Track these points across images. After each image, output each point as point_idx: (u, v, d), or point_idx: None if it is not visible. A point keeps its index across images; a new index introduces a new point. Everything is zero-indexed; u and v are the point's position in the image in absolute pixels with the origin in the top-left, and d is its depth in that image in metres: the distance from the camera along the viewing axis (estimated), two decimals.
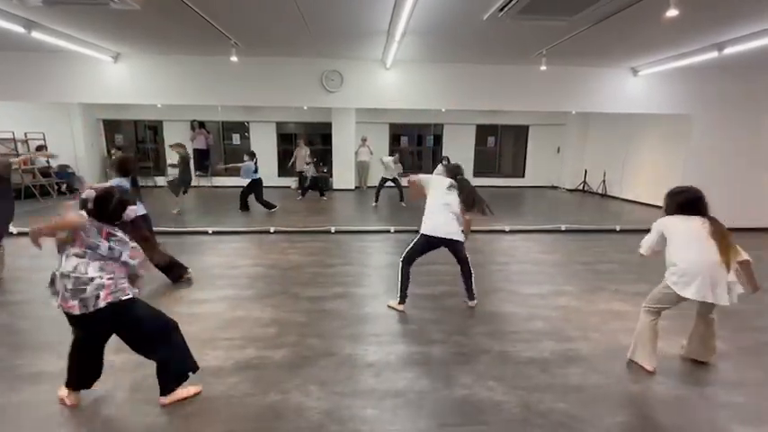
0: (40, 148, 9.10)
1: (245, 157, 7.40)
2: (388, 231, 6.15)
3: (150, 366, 2.48)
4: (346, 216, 7.57)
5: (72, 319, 1.96)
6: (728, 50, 4.57)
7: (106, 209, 1.99)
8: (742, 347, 2.84)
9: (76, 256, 1.91)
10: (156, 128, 11.25)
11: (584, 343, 2.87)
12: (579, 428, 2.01)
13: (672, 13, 3.14)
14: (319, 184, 9.26)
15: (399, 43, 4.50)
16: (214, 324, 3.07)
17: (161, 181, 11.13)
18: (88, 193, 1.99)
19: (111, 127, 11.07)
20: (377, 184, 8.62)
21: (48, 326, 3.03)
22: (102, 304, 1.89)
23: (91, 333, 2.05)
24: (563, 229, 6.43)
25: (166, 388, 2.13)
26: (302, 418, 2.05)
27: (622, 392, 2.32)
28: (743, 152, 6.38)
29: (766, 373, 2.53)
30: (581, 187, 11.14)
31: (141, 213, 3.55)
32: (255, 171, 7.29)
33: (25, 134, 8.95)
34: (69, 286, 1.89)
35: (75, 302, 1.88)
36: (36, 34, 4.27)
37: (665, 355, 2.72)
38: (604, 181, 10.27)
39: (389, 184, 8.60)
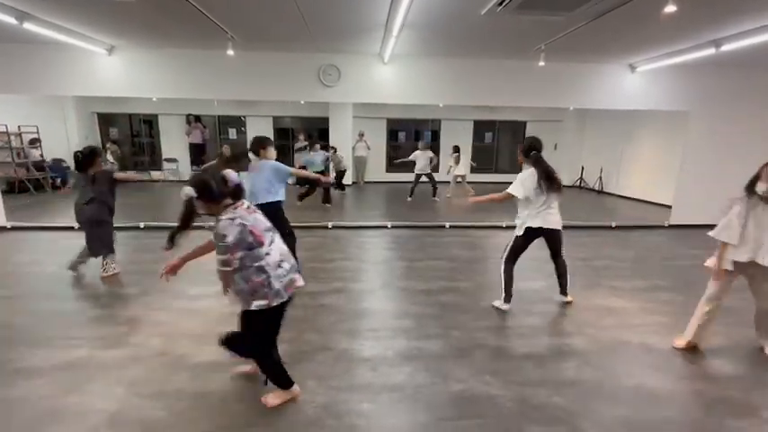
0: (33, 142, 9.01)
1: (316, 145, 8.00)
2: (386, 227, 6.15)
3: (143, 361, 2.48)
4: (344, 211, 7.56)
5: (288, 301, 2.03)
6: (726, 47, 4.57)
7: (212, 191, 1.85)
8: (737, 343, 2.87)
9: (269, 253, 1.93)
10: (151, 121, 11.16)
11: (579, 338, 2.89)
12: (574, 422, 2.03)
13: (670, 8, 3.14)
14: (338, 179, 9.11)
15: (397, 38, 4.47)
16: (210, 319, 3.07)
17: (156, 175, 11.07)
18: (187, 192, 1.85)
19: (106, 120, 10.96)
20: (412, 181, 8.53)
21: (42, 321, 3.02)
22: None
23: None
24: None
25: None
26: (299, 413, 2.06)
27: (616, 387, 2.34)
28: (740, 149, 6.41)
29: (761, 368, 2.56)
30: (578, 183, 11.17)
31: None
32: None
33: (19, 127, 8.85)
34: (288, 266, 2.00)
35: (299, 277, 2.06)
36: (28, 26, 4.20)
37: (659, 350, 2.74)
38: (601, 177, 10.31)
39: (423, 179, 8.49)
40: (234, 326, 2.95)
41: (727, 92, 6.21)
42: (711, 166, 6.40)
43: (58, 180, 9.34)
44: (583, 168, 11.10)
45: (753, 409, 2.17)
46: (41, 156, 9.12)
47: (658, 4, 3.25)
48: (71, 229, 5.63)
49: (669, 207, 6.80)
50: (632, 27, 4.22)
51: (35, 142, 9.04)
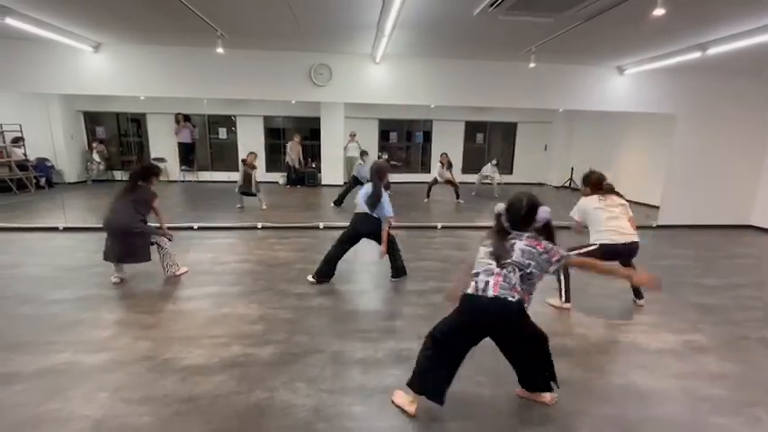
0: (16, 140, 8.80)
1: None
2: None
3: (129, 365, 2.42)
4: (335, 212, 7.52)
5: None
6: (711, 51, 4.65)
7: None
8: (722, 341, 2.91)
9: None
10: (139, 120, 10.98)
11: (569, 338, 2.90)
12: (565, 422, 2.04)
13: (658, 12, 3.18)
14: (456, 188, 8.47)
15: (389, 38, 4.46)
16: (199, 322, 3.02)
17: None
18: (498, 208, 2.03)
19: (93, 119, 10.75)
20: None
21: (24, 325, 2.93)
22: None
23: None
24: None
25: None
26: (289, 416, 2.03)
27: (607, 386, 2.36)
28: (724, 151, 6.54)
29: (745, 366, 2.60)
30: (567, 184, 11.29)
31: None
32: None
33: (0, 125, 8.63)
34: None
35: None
36: (10, 21, 4.09)
37: (648, 350, 2.77)
38: None
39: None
40: (222, 326, 2.92)
41: (713, 95, 6.33)
42: (697, 167, 6.52)
43: (42, 179, 9.12)
44: (573, 169, 11.22)
45: (739, 408, 2.20)
46: (25, 155, 8.89)
47: (647, 8, 3.29)
48: (55, 230, 5.51)
49: (657, 207, 6.90)
50: (621, 30, 4.26)
51: (18, 141, 8.82)
